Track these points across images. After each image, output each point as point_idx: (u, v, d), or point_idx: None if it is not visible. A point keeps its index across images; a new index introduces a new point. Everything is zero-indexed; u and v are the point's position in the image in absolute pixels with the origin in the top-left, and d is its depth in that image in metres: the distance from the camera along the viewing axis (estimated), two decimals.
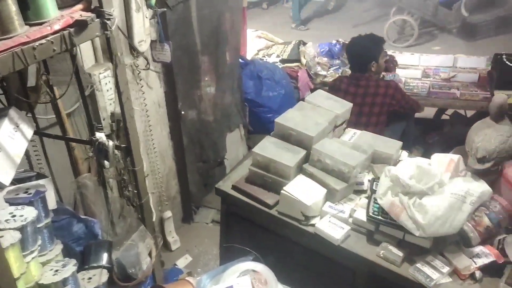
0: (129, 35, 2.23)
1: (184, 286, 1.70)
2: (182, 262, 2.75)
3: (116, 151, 1.68)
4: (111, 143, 1.67)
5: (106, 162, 1.69)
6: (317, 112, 2.06)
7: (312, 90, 3.61)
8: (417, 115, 3.44)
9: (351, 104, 2.20)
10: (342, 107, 2.14)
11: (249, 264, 1.71)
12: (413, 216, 1.62)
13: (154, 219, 2.03)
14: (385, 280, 1.71)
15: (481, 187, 1.70)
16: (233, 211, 2.05)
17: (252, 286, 1.52)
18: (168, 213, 2.89)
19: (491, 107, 1.80)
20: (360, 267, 1.74)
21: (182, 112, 2.93)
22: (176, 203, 3.04)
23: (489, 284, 1.58)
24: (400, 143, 2.09)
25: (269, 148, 1.93)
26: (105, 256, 1.72)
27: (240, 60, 3.46)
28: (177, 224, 2.99)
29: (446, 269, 1.61)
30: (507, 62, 3.41)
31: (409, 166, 1.77)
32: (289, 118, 2.00)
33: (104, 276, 1.67)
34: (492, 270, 1.61)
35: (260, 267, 1.70)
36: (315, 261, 1.85)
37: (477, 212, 1.67)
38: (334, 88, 3.11)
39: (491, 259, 1.62)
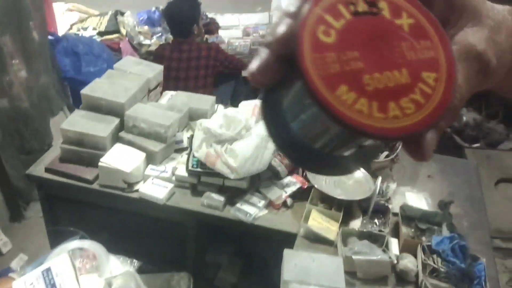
0: None
1: (5, 283, 1.58)
2: (16, 263, 2.53)
3: None
4: None
5: None
6: (127, 78, 2.02)
7: None
8: (245, 72, 3.62)
9: (161, 67, 2.20)
10: (153, 70, 2.13)
11: (75, 243, 1.65)
12: (226, 161, 1.74)
13: None
14: (212, 226, 1.81)
15: None
16: (53, 194, 1.93)
17: (72, 264, 1.47)
18: None
19: None
20: (189, 220, 1.81)
21: None
22: None
23: (299, 208, 1.79)
24: (213, 98, 2.18)
25: (79, 122, 1.85)
26: None
27: (50, 37, 3.18)
28: (5, 225, 2.71)
29: (262, 203, 1.78)
30: None
31: (218, 116, 1.87)
32: (97, 88, 1.93)
33: None
34: (300, 195, 1.83)
35: (87, 243, 1.65)
36: (146, 225, 1.87)
37: None
38: (158, 55, 3.08)
39: (298, 186, 1.83)
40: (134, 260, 1.78)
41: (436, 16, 0.29)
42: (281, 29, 0.28)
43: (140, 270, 1.82)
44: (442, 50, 0.27)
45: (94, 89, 1.91)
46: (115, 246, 1.71)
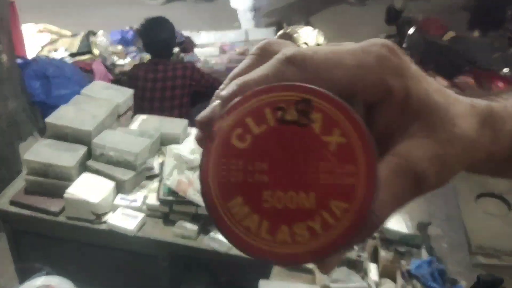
0: None
1: None
2: None
3: None
4: None
5: None
6: (95, 104, 1.95)
7: (114, 82, 3.45)
8: None
9: (131, 91, 2.15)
10: (123, 95, 2.07)
11: (41, 280, 1.57)
12: (199, 188, 1.67)
13: None
14: (186, 257, 1.74)
15: None
16: (19, 228, 1.84)
17: None
18: None
19: None
20: (161, 251, 1.74)
21: None
22: None
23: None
24: (186, 121, 2.12)
25: (43, 152, 1.77)
26: None
27: (18, 60, 3.09)
28: None
29: None
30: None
31: (189, 141, 1.81)
32: (62, 116, 1.85)
33: None
34: None
35: (54, 280, 1.58)
36: (117, 258, 1.79)
37: None
38: (132, 76, 3.01)
39: None
40: None
41: (386, 117, 0.26)
42: (205, 112, 0.26)
43: None
44: (365, 179, 0.24)
45: (60, 116, 1.84)
46: (84, 281, 1.63)
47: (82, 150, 1.80)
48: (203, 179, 0.25)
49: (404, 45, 3.20)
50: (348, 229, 0.24)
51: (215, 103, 0.26)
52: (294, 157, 0.24)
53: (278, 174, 0.24)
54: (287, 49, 0.26)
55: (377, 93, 0.26)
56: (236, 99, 0.25)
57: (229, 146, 0.25)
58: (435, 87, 0.27)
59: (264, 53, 0.27)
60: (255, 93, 0.25)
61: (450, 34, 3.36)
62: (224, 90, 0.26)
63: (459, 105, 0.27)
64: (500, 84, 2.91)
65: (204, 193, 0.25)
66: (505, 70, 3.01)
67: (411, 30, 3.31)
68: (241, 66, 0.28)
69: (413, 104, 0.26)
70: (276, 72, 0.25)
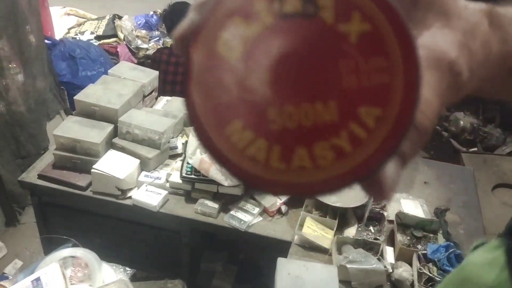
0: None
1: None
2: (10, 269, 2.51)
3: None
4: None
5: None
6: (121, 84, 2.01)
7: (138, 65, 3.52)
8: None
9: (157, 72, 2.19)
10: (148, 76, 2.12)
11: (66, 252, 1.64)
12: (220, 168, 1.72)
13: None
14: (207, 233, 1.80)
15: None
16: (46, 201, 1.92)
17: (62, 273, 1.46)
18: None
19: None
20: (183, 227, 1.79)
21: None
22: None
23: (293, 215, 1.78)
24: None
25: (72, 128, 1.83)
26: None
27: (46, 41, 3.17)
28: (0, 230, 2.70)
29: (256, 210, 1.76)
30: None
31: None
32: (90, 94, 1.92)
33: None
34: (295, 202, 1.81)
35: (79, 252, 1.65)
36: (140, 232, 1.85)
37: None
38: (155, 59, 3.07)
39: None
40: (128, 268, 1.76)
41: None
42: (182, 26, 0.21)
43: (133, 278, 1.80)
44: (402, 73, 0.19)
45: (88, 95, 1.90)
46: (108, 254, 1.70)
47: (109, 127, 1.86)
48: (188, 106, 0.19)
49: None
50: (386, 143, 0.19)
51: (191, 12, 0.21)
52: (303, 60, 0.19)
53: (284, 84, 0.19)
54: None
55: None
56: None
57: (215, 58, 0.19)
58: None
59: None
60: None
61: None
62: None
63: (469, 4, 0.25)
64: None
65: (192, 121, 0.19)
66: None
67: None
68: None
69: None
70: None
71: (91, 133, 1.82)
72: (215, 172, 1.73)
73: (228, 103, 0.19)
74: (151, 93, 2.15)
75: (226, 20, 0.19)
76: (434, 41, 0.23)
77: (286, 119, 0.19)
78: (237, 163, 0.19)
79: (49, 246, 1.97)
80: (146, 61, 3.51)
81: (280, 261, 1.47)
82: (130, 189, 1.80)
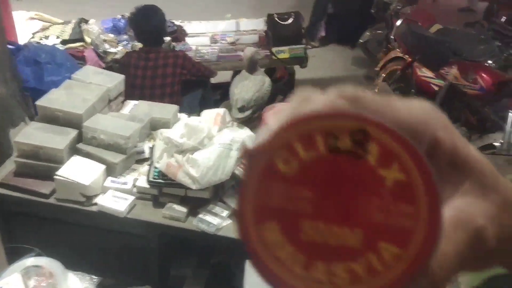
0: None
1: None
2: None
3: None
4: None
5: None
6: (86, 88, 1.97)
7: (106, 70, 3.46)
8: (214, 80, 3.59)
9: (123, 76, 2.17)
10: (113, 80, 2.09)
11: (30, 261, 1.60)
12: (188, 171, 1.71)
13: None
14: (176, 238, 1.78)
15: (244, 134, 1.88)
16: (9, 210, 1.86)
17: (24, 283, 1.42)
18: None
19: (244, 61, 1.98)
20: (151, 232, 1.77)
21: None
22: None
23: None
24: (176, 107, 2.15)
25: (34, 134, 1.79)
26: None
27: (10, 46, 3.08)
28: None
29: (225, 213, 1.76)
30: (278, 20, 3.79)
31: (179, 126, 1.84)
32: (54, 99, 1.88)
33: None
34: None
35: (43, 261, 1.61)
36: (107, 239, 1.82)
37: None
38: (124, 64, 3.03)
39: None
40: (94, 276, 1.73)
41: (439, 174, 0.23)
42: (255, 141, 0.24)
43: (100, 286, 1.77)
44: (426, 223, 0.21)
45: (51, 100, 1.86)
46: (74, 262, 1.67)
47: (73, 133, 1.82)
48: (240, 201, 0.22)
49: (391, 37, 3.25)
50: (398, 280, 0.21)
51: (263, 130, 0.23)
52: (344, 189, 0.22)
53: (323, 205, 0.21)
54: (337, 88, 0.24)
55: (425, 145, 0.24)
56: (285, 123, 0.22)
57: (273, 169, 0.22)
58: (472, 147, 0.26)
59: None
60: (306, 117, 0.22)
61: (437, 26, 3.42)
62: (273, 118, 0.24)
63: (507, 181, 0.27)
64: (485, 75, 2.98)
65: (238, 215, 0.22)
66: (490, 61, 3.07)
67: (398, 22, 3.36)
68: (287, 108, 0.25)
69: (462, 160, 0.25)
70: (328, 106, 0.23)
71: (54, 139, 1.78)
72: (183, 175, 1.72)
73: (273, 207, 0.22)
74: (117, 97, 2.12)
75: (290, 142, 0.22)
76: (466, 205, 0.24)
77: (316, 234, 0.21)
78: (264, 259, 0.22)
79: (13, 256, 1.91)
80: (115, 65, 3.45)
81: (249, 264, 1.46)
82: (96, 195, 1.77)
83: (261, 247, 0.22)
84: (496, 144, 2.63)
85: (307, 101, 0.24)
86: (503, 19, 3.72)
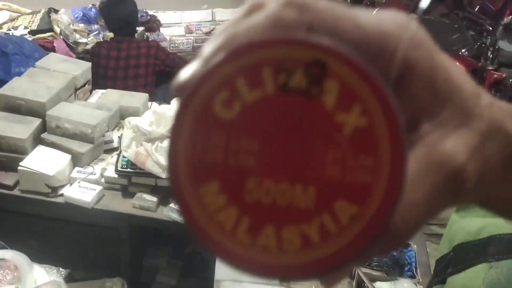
0: None
1: None
2: None
3: None
4: None
5: None
6: (50, 76, 1.90)
7: None
8: None
9: (89, 64, 2.11)
10: (80, 67, 2.03)
11: None
12: (157, 160, 1.66)
13: None
14: (146, 228, 1.74)
15: None
16: None
17: None
18: None
19: None
20: (120, 223, 1.72)
21: None
22: None
23: None
24: (146, 95, 2.10)
25: None
26: None
27: None
28: None
29: None
30: None
31: (148, 114, 1.80)
32: (15, 87, 1.80)
33: None
34: None
35: (8, 254, 1.55)
36: (75, 230, 1.77)
37: None
38: (95, 54, 2.95)
39: None
40: (61, 269, 1.67)
41: (413, 103, 0.20)
42: (183, 75, 0.20)
43: (70, 279, 1.71)
44: (387, 177, 0.18)
45: (12, 88, 1.79)
46: (42, 255, 1.61)
47: (36, 122, 1.75)
48: (170, 155, 0.19)
49: None
50: (355, 243, 0.18)
51: (196, 61, 0.20)
52: (294, 139, 0.18)
53: (270, 158, 0.18)
54: None
55: (396, 66, 0.20)
56: (224, 53, 0.18)
57: (210, 114, 0.18)
58: (460, 67, 0.22)
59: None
60: (250, 45, 0.18)
61: (412, 16, 3.43)
62: (207, 44, 0.20)
63: (498, 102, 0.22)
64: (458, 64, 3.00)
65: (170, 172, 0.19)
66: (463, 50, 3.10)
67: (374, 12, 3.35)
68: (230, 20, 0.20)
69: (441, 83, 0.21)
70: (274, 20, 0.19)
71: (17, 128, 1.71)
72: (152, 164, 1.67)
73: (210, 163, 0.18)
74: (84, 85, 2.05)
75: (230, 80, 0.18)
76: (442, 142, 0.20)
77: (262, 193, 0.18)
78: (204, 225, 0.19)
79: None
80: (86, 56, 3.37)
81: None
82: (62, 186, 1.71)
83: (199, 211, 0.19)
84: None
85: (257, 9, 0.20)
86: (477, 8, 3.76)
